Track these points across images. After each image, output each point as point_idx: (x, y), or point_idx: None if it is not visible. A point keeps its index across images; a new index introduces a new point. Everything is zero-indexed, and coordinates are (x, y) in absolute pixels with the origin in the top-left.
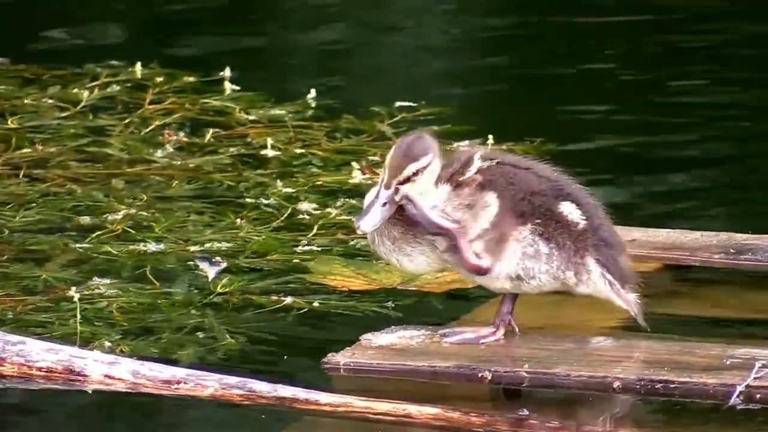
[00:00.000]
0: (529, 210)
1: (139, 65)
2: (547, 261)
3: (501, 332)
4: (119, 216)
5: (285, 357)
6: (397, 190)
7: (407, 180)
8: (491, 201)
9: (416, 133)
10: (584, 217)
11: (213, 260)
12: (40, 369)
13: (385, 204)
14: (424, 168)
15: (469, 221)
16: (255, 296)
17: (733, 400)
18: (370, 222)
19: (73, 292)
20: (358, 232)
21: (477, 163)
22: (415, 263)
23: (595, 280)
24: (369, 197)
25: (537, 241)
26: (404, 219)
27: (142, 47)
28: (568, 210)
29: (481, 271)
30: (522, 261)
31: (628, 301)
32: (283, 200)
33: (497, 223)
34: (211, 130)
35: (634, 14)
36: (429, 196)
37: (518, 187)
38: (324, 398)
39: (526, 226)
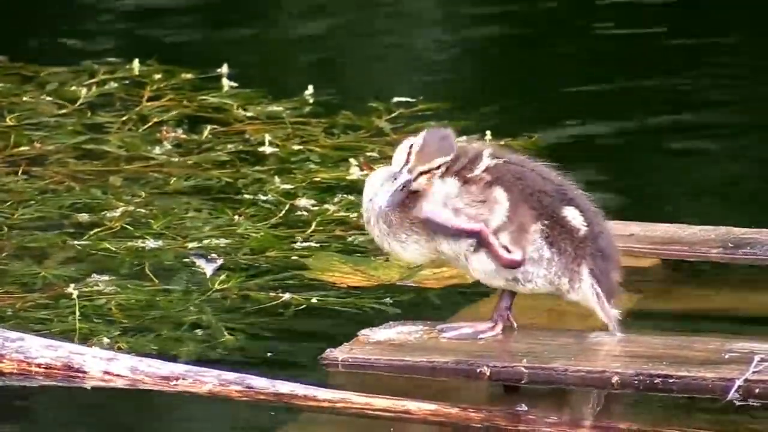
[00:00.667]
0: (539, 208)
1: (136, 62)
2: (547, 266)
3: (499, 327)
4: (117, 213)
5: (283, 353)
6: (416, 178)
7: (429, 172)
8: (500, 196)
9: (446, 129)
10: (585, 224)
11: (209, 257)
12: (39, 365)
13: (403, 187)
14: (445, 164)
15: (486, 216)
16: (253, 292)
17: (732, 394)
18: (386, 199)
19: (72, 289)
20: (375, 207)
21: (486, 161)
22: (408, 252)
23: (585, 290)
24: (384, 174)
25: (542, 245)
26: (406, 207)
27: (140, 44)
28: (572, 215)
29: (515, 264)
30: (525, 264)
31: (610, 316)
32: (281, 196)
33: (513, 216)
34: (208, 127)
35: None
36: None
37: (525, 183)
38: (322, 394)
39: (537, 225)
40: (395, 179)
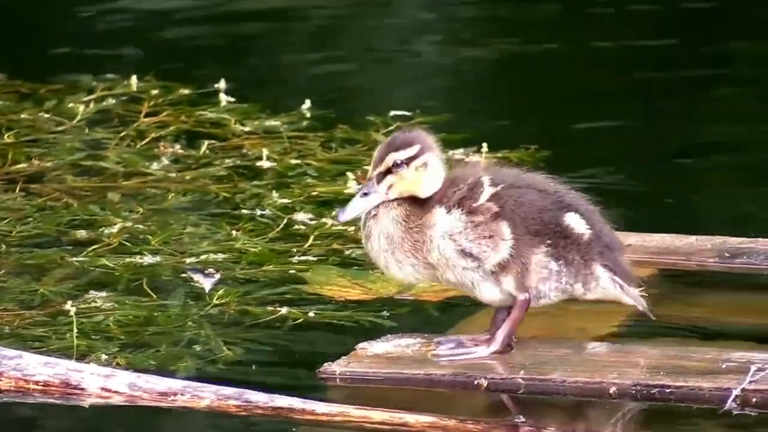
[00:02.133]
0: (542, 229)
1: (134, 78)
2: (557, 279)
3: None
4: (115, 229)
5: (281, 367)
6: (380, 180)
7: (389, 171)
8: (506, 232)
9: (405, 128)
10: (588, 226)
11: (207, 272)
12: (37, 383)
13: (365, 194)
14: (410, 159)
15: (489, 253)
16: (251, 307)
17: (729, 404)
18: (347, 213)
19: (70, 306)
20: (337, 221)
21: (488, 190)
22: (402, 272)
23: (605, 286)
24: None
25: (549, 262)
26: (407, 223)
27: (138, 60)
28: (574, 222)
29: (529, 306)
30: (535, 286)
31: (636, 297)
32: (278, 211)
33: (517, 253)
34: (206, 142)
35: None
36: (427, 186)
37: (526, 209)
38: (320, 408)
39: (540, 249)
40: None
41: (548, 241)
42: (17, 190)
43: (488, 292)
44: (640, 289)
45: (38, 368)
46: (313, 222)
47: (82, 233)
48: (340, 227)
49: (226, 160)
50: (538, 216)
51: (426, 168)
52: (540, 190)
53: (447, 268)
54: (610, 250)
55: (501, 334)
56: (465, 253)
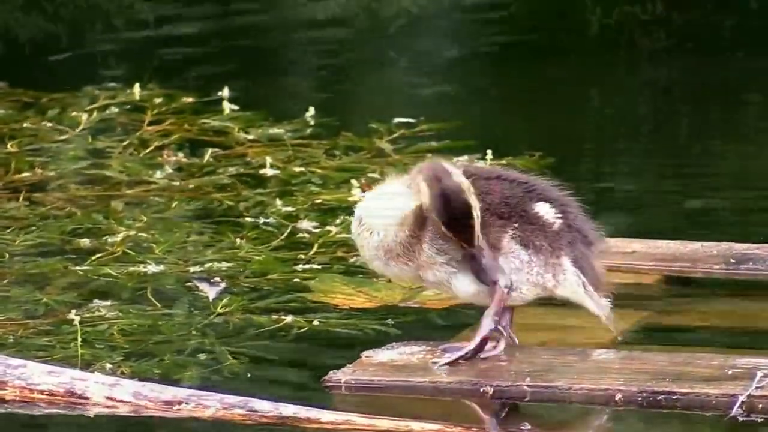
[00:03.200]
0: (507, 212)
1: (137, 87)
2: (527, 270)
3: (501, 345)
4: (119, 238)
5: (286, 375)
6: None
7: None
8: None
9: (454, 185)
10: (559, 215)
11: (211, 280)
12: (41, 392)
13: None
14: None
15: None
16: (256, 316)
17: (735, 410)
18: (503, 272)
19: (74, 315)
20: (509, 292)
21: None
22: (389, 271)
23: (570, 280)
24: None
25: (518, 250)
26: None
27: (140, 68)
28: (543, 210)
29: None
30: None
31: (601, 305)
32: (282, 219)
33: (485, 238)
34: (210, 150)
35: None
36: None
37: (493, 197)
38: (326, 416)
39: (507, 233)
40: (483, 259)
41: (515, 224)
42: (20, 199)
43: (463, 285)
44: (608, 299)
45: (43, 377)
46: (317, 230)
47: (85, 242)
48: (344, 235)
49: (230, 168)
50: (504, 201)
51: None
52: (510, 181)
53: (428, 267)
54: (583, 244)
55: (486, 317)
56: (440, 250)
